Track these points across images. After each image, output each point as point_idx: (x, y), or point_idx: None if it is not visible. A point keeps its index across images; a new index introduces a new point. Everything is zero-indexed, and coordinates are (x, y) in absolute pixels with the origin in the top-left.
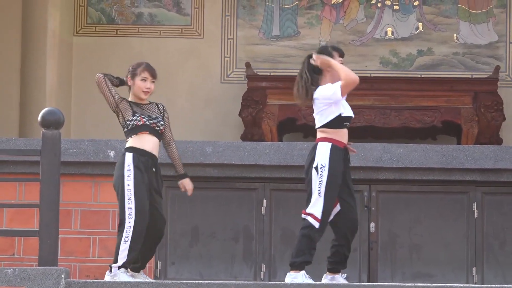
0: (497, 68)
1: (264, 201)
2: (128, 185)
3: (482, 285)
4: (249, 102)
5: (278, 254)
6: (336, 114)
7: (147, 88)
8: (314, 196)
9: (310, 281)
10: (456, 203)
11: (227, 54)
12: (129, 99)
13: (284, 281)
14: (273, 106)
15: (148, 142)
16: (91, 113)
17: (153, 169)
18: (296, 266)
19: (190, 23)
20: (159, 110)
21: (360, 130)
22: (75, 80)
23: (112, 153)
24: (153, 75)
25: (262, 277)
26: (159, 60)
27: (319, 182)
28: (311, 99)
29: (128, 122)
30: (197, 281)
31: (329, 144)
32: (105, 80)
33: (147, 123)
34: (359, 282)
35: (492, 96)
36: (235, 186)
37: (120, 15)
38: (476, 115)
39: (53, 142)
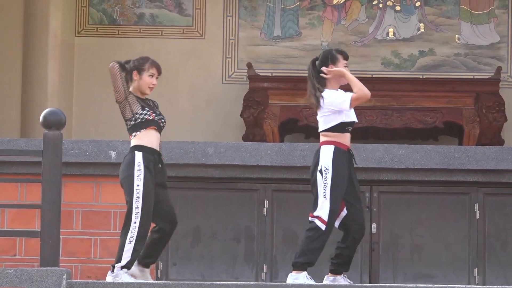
0: (499, 69)
1: (266, 202)
2: (138, 185)
3: (484, 286)
4: (250, 103)
5: (280, 255)
6: (339, 121)
7: (153, 84)
8: (320, 199)
9: (312, 282)
10: (457, 204)
11: (228, 54)
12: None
13: (285, 282)
14: (274, 106)
15: (155, 139)
16: (92, 113)
17: (159, 166)
18: (298, 266)
19: (192, 23)
20: (155, 106)
21: (362, 131)
22: (77, 80)
23: (113, 154)
24: (160, 72)
25: (263, 278)
26: (161, 61)
27: (323, 184)
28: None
29: (137, 116)
30: (198, 282)
31: (331, 147)
32: (119, 70)
33: (156, 118)
34: (361, 283)
35: (493, 97)
36: (237, 187)
37: (122, 16)
38: (478, 116)
39: (54, 143)
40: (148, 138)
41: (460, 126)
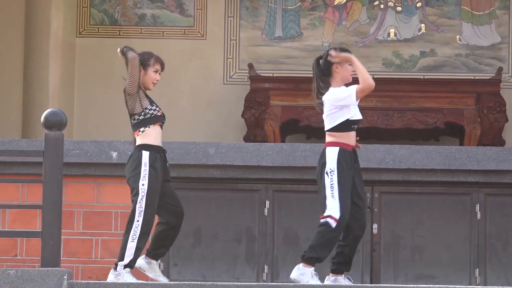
0: (500, 70)
1: (267, 202)
2: (143, 184)
3: (485, 287)
4: (251, 103)
5: (281, 256)
6: (346, 117)
7: (157, 80)
8: (329, 199)
9: (316, 280)
10: (458, 205)
11: (229, 55)
12: None
13: (286, 282)
14: (275, 107)
15: (160, 135)
16: (93, 114)
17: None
18: (306, 260)
19: (193, 24)
20: None
21: (363, 131)
22: (78, 81)
23: (114, 154)
24: (163, 68)
25: (264, 278)
26: None
27: (331, 186)
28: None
29: (147, 111)
30: (199, 282)
31: (336, 149)
32: (138, 62)
33: (163, 114)
34: (362, 283)
35: (494, 97)
36: (238, 187)
37: (123, 16)
38: (479, 117)
39: (55, 143)
40: (155, 135)
41: (461, 126)
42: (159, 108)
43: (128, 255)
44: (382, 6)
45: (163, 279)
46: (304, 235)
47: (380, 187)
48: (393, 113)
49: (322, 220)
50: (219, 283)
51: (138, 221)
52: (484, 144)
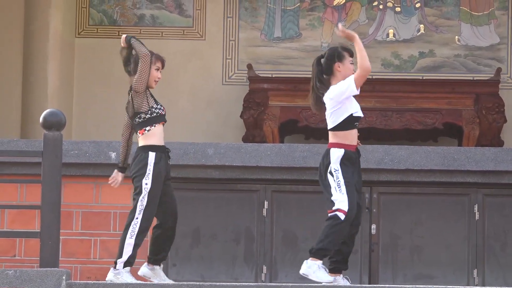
0: (499, 70)
1: (266, 203)
2: (147, 184)
3: (483, 287)
4: (250, 104)
5: (279, 256)
6: (349, 113)
7: (158, 77)
8: (337, 194)
9: (323, 272)
10: (457, 205)
11: (228, 55)
12: None
13: (285, 283)
14: (274, 107)
15: (163, 134)
16: (92, 114)
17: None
18: (314, 253)
19: (192, 24)
20: None
21: (362, 132)
22: (77, 81)
23: (113, 155)
24: (164, 65)
25: (263, 278)
26: None
27: (337, 183)
28: (324, 105)
29: (153, 109)
30: (198, 283)
31: (341, 151)
32: (150, 60)
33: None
34: (360, 283)
35: (493, 98)
36: (237, 188)
37: (122, 17)
38: (478, 117)
39: (54, 144)
40: (159, 135)
41: (459, 127)
42: (163, 107)
43: (127, 252)
44: (381, 6)
45: (170, 282)
46: (303, 236)
47: (379, 188)
48: (391, 113)
49: (330, 214)
50: (218, 283)
51: (137, 218)
52: (483, 144)
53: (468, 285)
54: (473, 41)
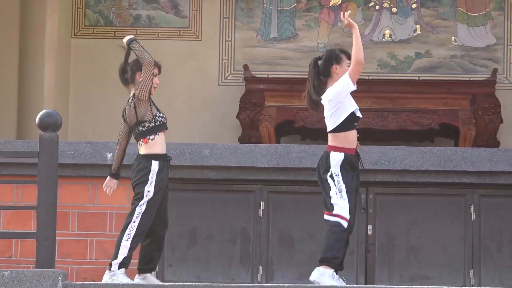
0: (495, 71)
1: (262, 204)
2: (149, 191)
3: None
4: (247, 105)
5: (276, 257)
6: (349, 112)
7: (157, 83)
8: (338, 199)
9: (336, 281)
10: (453, 206)
11: (225, 56)
12: None
13: (281, 283)
14: (271, 108)
15: (165, 142)
16: (89, 115)
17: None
18: (327, 261)
19: (188, 25)
20: None
21: (358, 133)
22: (73, 82)
23: (109, 155)
24: (160, 71)
25: (259, 279)
26: None
27: (338, 188)
28: (321, 107)
29: (157, 118)
30: (194, 283)
31: (341, 155)
32: (153, 68)
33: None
34: (357, 284)
35: (489, 98)
36: (233, 189)
37: (118, 17)
38: (474, 118)
39: (50, 144)
40: (163, 143)
41: (456, 127)
42: (165, 115)
43: (122, 253)
44: (377, 7)
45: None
46: (299, 236)
47: (375, 188)
48: (388, 114)
49: (333, 219)
50: (214, 284)
51: (134, 222)
52: (479, 145)
53: (464, 285)
54: (469, 42)
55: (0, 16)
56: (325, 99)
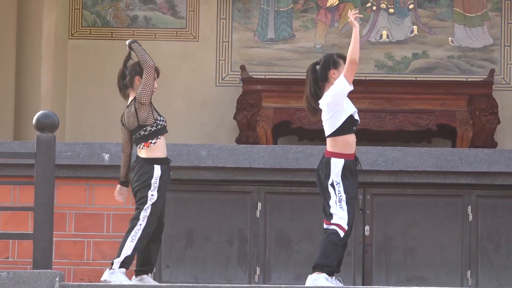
0: (492, 71)
1: (259, 204)
2: (153, 195)
3: None
4: (244, 105)
5: (273, 258)
6: (347, 114)
7: (156, 87)
8: (337, 209)
9: (330, 283)
10: (450, 206)
11: (222, 57)
12: None
13: (278, 284)
14: (268, 109)
15: (165, 146)
16: (86, 115)
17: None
18: (320, 268)
19: (185, 26)
20: None
21: (355, 133)
22: (70, 82)
23: (106, 156)
24: (159, 75)
25: (256, 280)
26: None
27: (338, 198)
28: (320, 111)
29: (158, 122)
30: (191, 284)
31: (341, 161)
32: (154, 72)
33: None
34: (354, 285)
35: (487, 99)
36: (230, 189)
37: (115, 18)
38: (471, 118)
39: (47, 145)
40: (163, 146)
41: (453, 128)
42: (165, 118)
43: (125, 253)
44: (374, 8)
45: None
46: (296, 237)
47: (372, 189)
48: (385, 115)
49: (330, 227)
50: (211, 285)
51: (141, 224)
52: (476, 146)
53: (461, 286)
54: (466, 42)
55: None
56: (323, 103)
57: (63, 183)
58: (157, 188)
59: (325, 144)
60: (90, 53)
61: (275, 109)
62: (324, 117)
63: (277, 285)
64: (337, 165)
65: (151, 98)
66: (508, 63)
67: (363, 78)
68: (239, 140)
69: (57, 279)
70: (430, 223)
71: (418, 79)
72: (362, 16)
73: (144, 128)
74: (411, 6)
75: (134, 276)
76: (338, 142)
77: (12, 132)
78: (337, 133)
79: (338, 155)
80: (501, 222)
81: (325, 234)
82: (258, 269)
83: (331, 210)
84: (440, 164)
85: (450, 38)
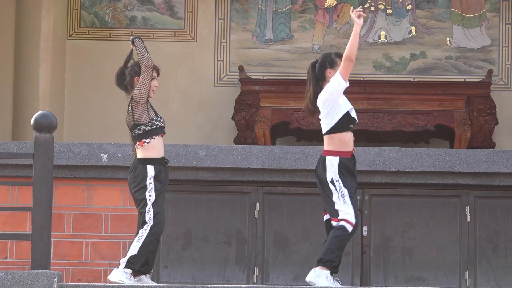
0: (490, 72)
1: (257, 205)
2: (150, 195)
3: None
4: (242, 106)
5: (271, 258)
6: (343, 111)
7: (156, 87)
8: (341, 205)
9: (331, 282)
10: (448, 207)
11: (220, 57)
12: None
13: (276, 284)
14: (266, 109)
15: (162, 146)
16: (84, 116)
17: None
18: (323, 263)
19: (184, 26)
20: None
21: (353, 134)
22: (68, 83)
23: (105, 157)
24: (159, 74)
25: (254, 280)
26: None
27: (340, 193)
28: (318, 111)
29: (153, 121)
30: (190, 285)
31: (336, 159)
32: (152, 71)
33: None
34: (352, 285)
35: (485, 99)
36: (228, 190)
37: (114, 19)
38: (469, 119)
39: (46, 146)
40: (159, 147)
41: (451, 129)
42: (163, 119)
43: (131, 252)
44: (372, 8)
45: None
46: (294, 237)
47: (370, 190)
48: (383, 115)
49: (338, 224)
50: (210, 285)
51: (147, 225)
52: (474, 146)
53: (459, 287)
54: (464, 43)
55: None
56: (320, 101)
57: (61, 183)
58: (153, 188)
59: (323, 145)
60: (88, 54)
61: (273, 109)
62: (321, 115)
63: (275, 286)
64: (332, 163)
65: (147, 97)
66: (506, 64)
67: (361, 78)
68: (237, 141)
69: (55, 279)
70: (428, 224)
71: (416, 79)
72: (365, 15)
73: (138, 127)
74: (409, 7)
75: (132, 277)
76: (334, 140)
77: (10, 132)
78: (333, 130)
79: (333, 153)
80: (499, 223)
81: (333, 230)
82: (256, 270)
83: (336, 207)
84: (438, 165)
85: (448, 39)
